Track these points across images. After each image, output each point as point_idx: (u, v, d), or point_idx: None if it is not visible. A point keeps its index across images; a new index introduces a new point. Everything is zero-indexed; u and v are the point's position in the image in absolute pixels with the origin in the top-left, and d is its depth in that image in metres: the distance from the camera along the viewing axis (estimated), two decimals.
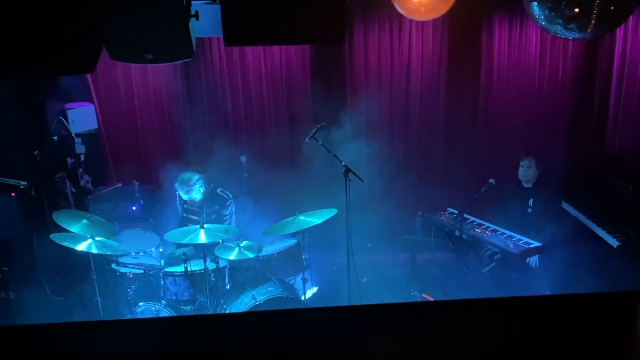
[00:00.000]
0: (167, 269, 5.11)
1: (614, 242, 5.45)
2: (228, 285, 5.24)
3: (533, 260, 5.39)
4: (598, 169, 6.57)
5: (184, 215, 5.65)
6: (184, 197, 5.45)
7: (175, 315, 5.05)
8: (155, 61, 3.42)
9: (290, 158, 6.58)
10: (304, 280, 5.41)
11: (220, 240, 5.16)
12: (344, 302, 5.28)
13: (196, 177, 5.41)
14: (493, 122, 6.89)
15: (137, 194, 6.24)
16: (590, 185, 6.30)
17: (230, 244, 5.13)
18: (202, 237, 4.92)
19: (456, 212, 5.80)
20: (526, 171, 5.75)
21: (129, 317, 5.07)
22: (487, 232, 5.65)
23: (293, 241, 5.51)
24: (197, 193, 5.41)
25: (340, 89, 6.64)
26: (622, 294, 2.36)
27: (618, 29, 6.20)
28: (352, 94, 6.73)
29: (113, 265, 5.21)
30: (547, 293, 5.36)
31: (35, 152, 5.32)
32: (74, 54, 2.92)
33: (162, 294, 5.09)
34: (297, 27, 3.33)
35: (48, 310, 5.32)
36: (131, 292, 5.10)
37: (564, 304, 2.30)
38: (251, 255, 5.04)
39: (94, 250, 4.81)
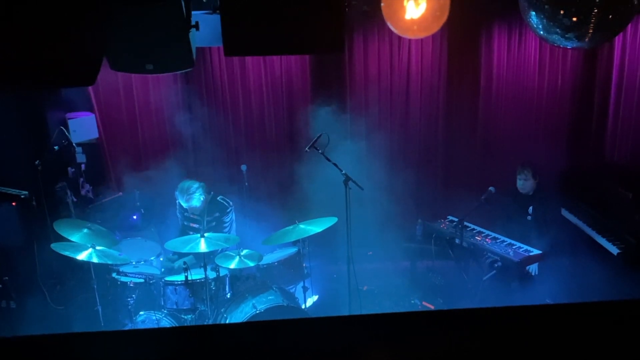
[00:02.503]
0: (167, 278, 5.11)
1: (614, 250, 5.44)
2: (229, 294, 5.24)
3: (532, 268, 5.39)
4: (597, 176, 6.56)
5: (185, 223, 5.66)
6: (184, 205, 5.46)
7: (176, 324, 5.05)
8: (156, 71, 3.43)
9: (291, 167, 6.59)
10: (305, 289, 5.41)
11: (221, 249, 5.17)
12: (345, 311, 5.28)
13: (196, 185, 5.42)
14: (493, 131, 6.92)
15: (138, 203, 6.24)
16: (589, 193, 6.29)
17: (230, 253, 5.13)
18: (202, 246, 4.93)
19: (456, 219, 5.81)
20: (524, 184, 5.78)
21: (129, 326, 5.06)
22: (487, 239, 5.66)
23: (293, 250, 5.51)
24: (197, 201, 5.41)
25: (340, 98, 6.67)
26: (627, 303, 2.36)
27: (617, 38, 6.22)
28: (352, 103, 6.76)
29: (114, 275, 5.21)
30: (548, 301, 5.35)
31: (36, 162, 5.33)
32: (74, 67, 2.93)
33: (162, 303, 5.09)
34: (297, 38, 3.34)
35: (49, 319, 5.31)
36: (132, 301, 5.10)
37: (568, 314, 2.29)
38: (252, 264, 5.04)
39: (95, 260, 4.81)
